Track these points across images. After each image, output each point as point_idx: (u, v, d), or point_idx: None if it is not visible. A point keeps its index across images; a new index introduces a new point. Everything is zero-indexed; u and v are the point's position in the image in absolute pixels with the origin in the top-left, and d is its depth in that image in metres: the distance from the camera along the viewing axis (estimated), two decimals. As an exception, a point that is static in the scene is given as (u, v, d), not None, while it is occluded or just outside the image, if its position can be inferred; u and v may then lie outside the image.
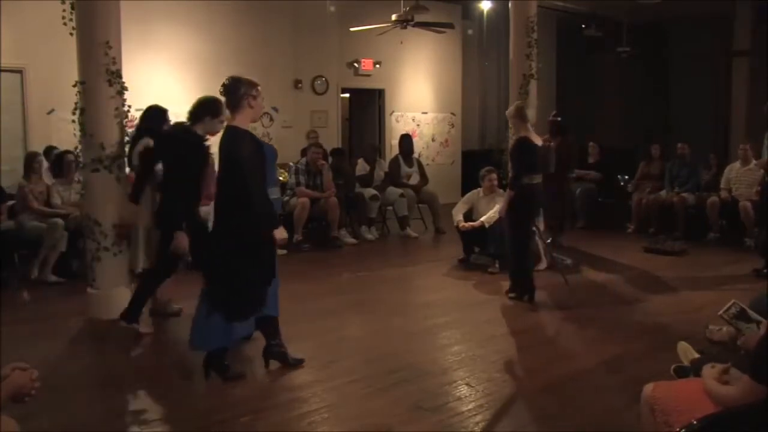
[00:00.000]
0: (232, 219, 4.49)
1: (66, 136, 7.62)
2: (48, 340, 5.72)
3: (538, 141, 6.86)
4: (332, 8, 11.80)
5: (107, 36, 6.06)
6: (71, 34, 6.08)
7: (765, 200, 8.07)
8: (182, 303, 6.46)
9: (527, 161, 6.61)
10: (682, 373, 3.95)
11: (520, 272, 6.75)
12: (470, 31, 14.92)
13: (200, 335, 4.64)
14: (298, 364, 4.92)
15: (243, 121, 4.59)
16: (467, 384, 4.67)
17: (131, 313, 5.68)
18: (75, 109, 6.17)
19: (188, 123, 5.56)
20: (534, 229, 7.22)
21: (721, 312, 3.94)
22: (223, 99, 4.71)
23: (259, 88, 4.65)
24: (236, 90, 4.56)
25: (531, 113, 9.17)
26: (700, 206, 10.02)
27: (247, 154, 4.44)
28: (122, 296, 6.24)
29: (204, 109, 5.53)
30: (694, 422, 2.66)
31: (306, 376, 4.86)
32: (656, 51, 15.41)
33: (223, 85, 4.63)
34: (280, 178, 4.91)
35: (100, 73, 6.05)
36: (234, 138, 4.51)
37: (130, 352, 5.51)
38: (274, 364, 4.93)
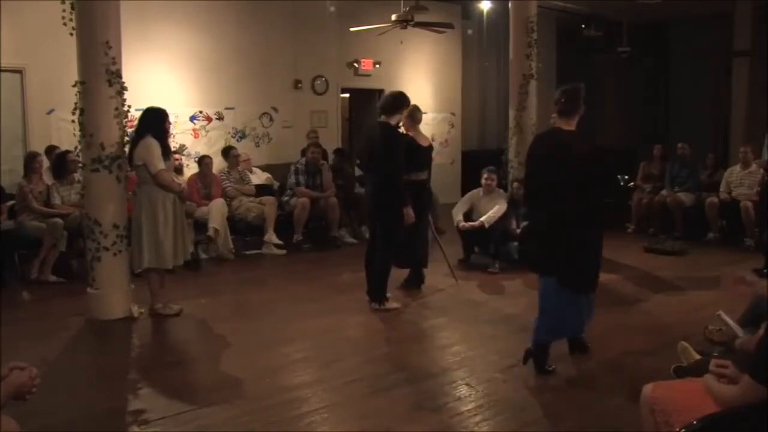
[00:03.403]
0: (589, 210, 4.71)
1: (66, 136, 7.64)
2: (48, 339, 5.72)
3: (425, 142, 7.12)
4: (332, 8, 11.79)
5: (107, 36, 6.06)
6: (71, 34, 6.08)
7: (765, 200, 8.07)
8: (181, 303, 6.47)
9: (413, 160, 6.69)
10: (682, 373, 3.95)
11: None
12: (470, 31, 14.90)
13: (560, 326, 4.88)
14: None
15: (571, 125, 4.80)
16: (467, 384, 4.67)
17: (378, 295, 6.46)
18: (75, 109, 6.17)
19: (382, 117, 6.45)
20: (428, 226, 7.38)
21: (710, 328, 3.98)
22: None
23: None
24: (579, 97, 4.80)
25: (530, 113, 9.24)
26: (700, 206, 10.01)
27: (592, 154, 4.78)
28: (121, 296, 6.25)
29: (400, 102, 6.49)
30: (695, 422, 2.66)
31: (306, 376, 4.86)
32: (656, 51, 15.41)
33: (565, 91, 4.83)
34: None
35: (99, 73, 6.05)
36: (582, 139, 4.79)
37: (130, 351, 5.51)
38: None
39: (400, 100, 6.52)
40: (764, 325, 3.44)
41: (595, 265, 4.83)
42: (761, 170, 9.45)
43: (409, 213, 6.41)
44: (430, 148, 7.26)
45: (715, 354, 3.72)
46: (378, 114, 6.59)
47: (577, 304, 4.79)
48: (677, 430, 2.72)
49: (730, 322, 3.98)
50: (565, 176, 4.60)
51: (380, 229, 6.51)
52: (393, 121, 6.42)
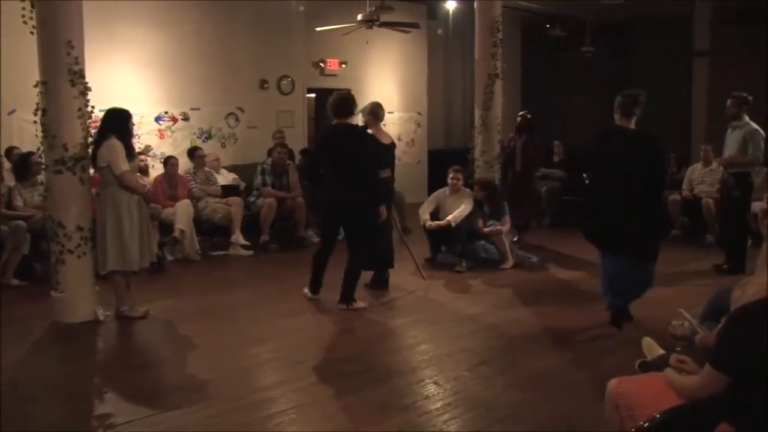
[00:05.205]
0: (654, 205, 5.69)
1: (28, 137, 7.49)
2: (11, 344, 5.61)
3: (387, 140, 7.20)
4: (301, 8, 11.77)
5: (69, 35, 5.97)
6: (32, 32, 5.98)
7: (725, 197, 8.21)
8: (148, 305, 6.41)
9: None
10: (646, 368, 4.01)
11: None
12: (440, 31, 14.95)
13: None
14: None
15: (631, 123, 5.63)
16: (435, 383, 4.70)
17: (348, 296, 6.46)
18: (37, 109, 6.07)
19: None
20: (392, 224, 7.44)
21: (673, 324, 4.06)
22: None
23: None
24: (640, 101, 5.58)
25: (495, 112, 9.29)
26: (663, 204, 10.13)
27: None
28: (86, 299, 6.17)
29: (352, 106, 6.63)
30: (657, 416, 2.71)
31: (274, 377, 4.85)
32: (621, 51, 15.58)
33: (629, 94, 5.61)
34: None
35: (62, 73, 5.96)
36: (642, 136, 5.67)
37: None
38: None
39: (352, 103, 6.57)
40: (724, 319, 3.50)
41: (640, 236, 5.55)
42: (722, 168, 9.61)
43: (383, 211, 6.48)
44: (393, 145, 7.28)
45: (678, 349, 3.78)
46: (333, 116, 6.57)
47: (625, 273, 5.64)
48: (641, 423, 2.77)
49: (691, 319, 4.05)
50: (629, 164, 5.40)
51: (356, 231, 6.49)
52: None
